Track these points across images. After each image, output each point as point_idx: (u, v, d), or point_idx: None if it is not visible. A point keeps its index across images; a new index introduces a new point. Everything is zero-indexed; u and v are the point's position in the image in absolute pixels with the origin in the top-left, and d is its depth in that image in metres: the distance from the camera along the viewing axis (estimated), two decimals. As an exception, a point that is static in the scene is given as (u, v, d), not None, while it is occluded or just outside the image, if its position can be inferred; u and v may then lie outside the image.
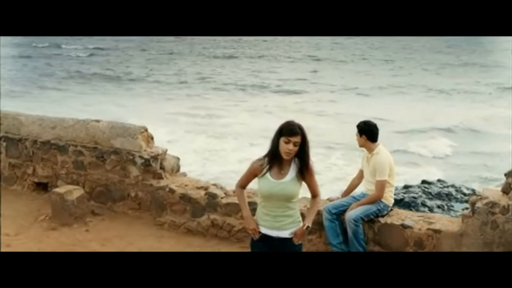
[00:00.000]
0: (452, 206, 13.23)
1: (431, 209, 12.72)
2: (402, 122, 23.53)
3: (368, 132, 6.38)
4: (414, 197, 13.52)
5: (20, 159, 8.50)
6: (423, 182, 14.70)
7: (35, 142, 8.34)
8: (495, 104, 28.46)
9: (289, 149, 4.19)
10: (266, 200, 4.38)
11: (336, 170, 17.38)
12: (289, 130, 4.19)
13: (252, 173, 4.45)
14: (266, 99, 31.36)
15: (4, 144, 8.58)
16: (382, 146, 6.43)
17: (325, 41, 68.67)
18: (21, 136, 8.47)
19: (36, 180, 8.45)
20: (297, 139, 4.18)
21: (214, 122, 24.31)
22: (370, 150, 6.40)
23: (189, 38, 69.95)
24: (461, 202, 13.56)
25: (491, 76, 39.71)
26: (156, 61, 49.06)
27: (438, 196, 13.96)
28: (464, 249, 5.89)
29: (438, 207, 13.13)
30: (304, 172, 4.30)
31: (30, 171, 8.46)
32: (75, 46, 59.62)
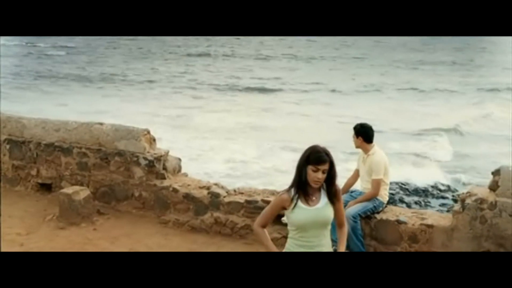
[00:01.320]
0: (429, 202, 13.74)
1: (409, 205, 13.20)
2: (379, 121, 23.99)
3: (364, 134, 6.80)
4: (392, 194, 14.00)
5: (24, 161, 8.76)
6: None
7: (39, 144, 8.61)
8: (475, 105, 29.05)
9: (318, 178, 4.01)
10: (302, 230, 4.15)
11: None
12: (317, 158, 4.00)
13: (279, 206, 4.24)
14: (239, 98, 31.33)
15: (8, 146, 8.83)
16: (377, 147, 6.86)
17: (299, 39, 67.95)
18: (24, 139, 8.73)
19: (40, 181, 8.72)
20: (326, 166, 4.00)
21: (188, 121, 24.10)
22: (366, 151, 6.82)
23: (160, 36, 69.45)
24: (437, 198, 14.12)
25: (468, 75, 40.36)
26: (128, 59, 48.21)
27: (415, 192, 14.46)
28: (455, 243, 6.35)
29: (416, 203, 13.61)
30: (333, 197, 4.14)
31: (34, 172, 8.72)
32: (45, 45, 57.94)
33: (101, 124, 8.35)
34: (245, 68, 44.27)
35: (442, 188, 14.86)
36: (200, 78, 38.13)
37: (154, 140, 8.17)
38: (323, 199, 4.12)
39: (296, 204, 4.09)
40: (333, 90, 33.48)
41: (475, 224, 6.26)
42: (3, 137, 8.87)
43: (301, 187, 4.08)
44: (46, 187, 8.74)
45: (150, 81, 36.27)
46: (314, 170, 3.99)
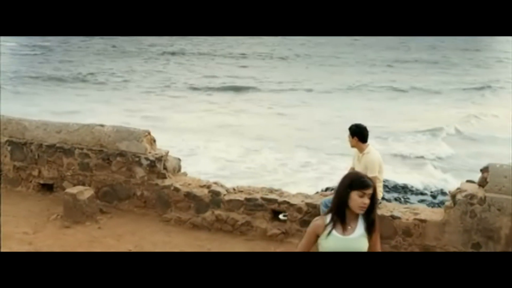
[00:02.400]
0: (408, 198, 14.18)
1: (389, 201, 13.68)
2: (356, 121, 24.20)
3: (359, 134, 7.16)
4: None
5: (25, 162, 8.97)
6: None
7: (40, 145, 8.83)
8: (451, 104, 29.61)
9: (365, 203, 3.91)
10: None
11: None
12: (362, 182, 3.93)
13: (314, 234, 4.05)
14: (212, 97, 31.43)
15: (9, 148, 9.03)
16: (371, 146, 7.22)
17: (271, 37, 67.02)
18: (26, 140, 8.94)
19: (41, 181, 8.93)
20: (371, 191, 3.92)
21: (166, 121, 24.10)
22: (361, 150, 7.18)
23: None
24: (416, 194, 14.59)
25: (444, 74, 40.99)
26: (102, 59, 47.65)
27: (395, 189, 14.90)
28: (446, 236, 6.74)
29: (395, 199, 14.02)
30: (371, 227, 4.01)
31: (35, 173, 8.94)
32: (18, 44, 56.42)
33: (102, 125, 8.60)
34: (221, 66, 44.32)
35: (421, 186, 15.33)
36: (175, 77, 38.17)
37: (154, 141, 8.45)
38: (359, 229, 3.99)
39: (330, 231, 3.97)
40: (310, 90, 33.78)
41: (465, 218, 6.66)
42: (4, 139, 9.05)
43: (340, 213, 3.97)
44: (47, 187, 8.96)
45: (125, 81, 36.19)
46: (361, 195, 3.90)
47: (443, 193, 13.79)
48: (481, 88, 34.47)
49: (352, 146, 7.28)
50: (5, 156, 9.09)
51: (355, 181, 3.95)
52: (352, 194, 3.92)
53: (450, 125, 24.15)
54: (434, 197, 13.70)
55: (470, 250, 6.65)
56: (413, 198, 14.09)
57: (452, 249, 6.71)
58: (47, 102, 27.25)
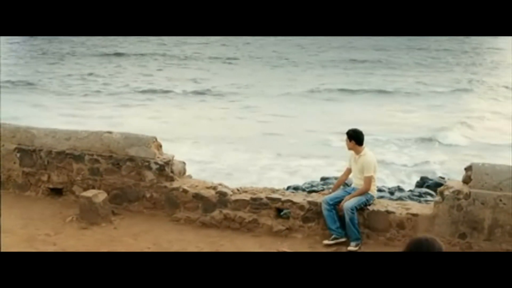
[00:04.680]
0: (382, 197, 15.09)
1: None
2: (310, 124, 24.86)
3: (356, 138, 7.95)
4: None
5: (35, 167, 9.44)
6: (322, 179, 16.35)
7: (50, 152, 9.32)
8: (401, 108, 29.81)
9: None
10: None
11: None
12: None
13: None
14: (154, 102, 31.11)
15: (18, 155, 9.49)
16: (367, 148, 8.03)
17: (213, 38, 64.50)
18: (35, 147, 9.41)
19: (51, 186, 9.42)
20: None
21: (115, 126, 23.75)
22: (358, 152, 7.97)
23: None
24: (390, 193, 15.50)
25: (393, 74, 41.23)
26: (38, 62, 45.97)
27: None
28: (436, 228, 7.59)
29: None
30: None
31: (45, 178, 9.42)
32: None
33: (110, 132, 9.15)
34: (161, 69, 43.61)
35: (391, 186, 16.22)
36: (116, 81, 37.28)
37: (161, 146, 9.05)
38: None
39: None
40: (261, 93, 33.67)
41: (453, 212, 7.52)
42: (13, 146, 9.51)
43: None
44: (56, 192, 9.45)
45: (66, 85, 35.28)
46: None
47: (400, 189, 14.67)
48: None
49: (349, 148, 8.07)
50: (14, 163, 9.54)
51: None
52: None
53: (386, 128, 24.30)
54: (392, 193, 14.50)
55: (457, 240, 7.53)
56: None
57: (441, 239, 7.54)
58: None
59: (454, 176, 13.50)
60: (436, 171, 18.03)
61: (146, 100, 31.23)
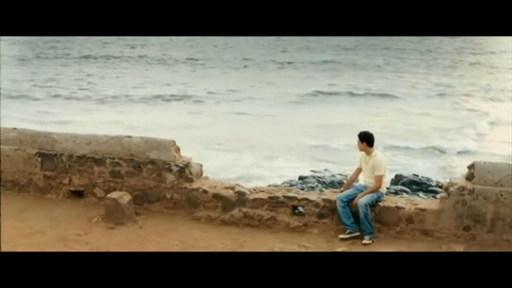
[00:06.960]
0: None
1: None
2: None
3: (367, 139, 8.61)
4: (312, 187, 15.93)
5: (56, 171, 9.87)
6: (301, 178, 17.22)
7: (71, 156, 9.76)
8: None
9: None
10: None
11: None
12: None
13: None
14: (115, 107, 31.36)
15: (39, 159, 9.91)
16: (377, 150, 8.69)
17: (178, 39, 65.82)
18: (56, 152, 9.84)
19: (72, 188, 9.87)
20: None
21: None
22: (369, 153, 8.63)
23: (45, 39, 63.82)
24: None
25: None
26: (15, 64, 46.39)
27: (331, 184, 16.33)
28: (442, 221, 8.28)
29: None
30: None
31: (66, 181, 9.86)
32: None
33: (129, 137, 9.64)
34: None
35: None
36: (94, 86, 37.52)
37: (179, 149, 9.57)
38: None
39: None
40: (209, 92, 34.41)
41: (458, 206, 8.22)
42: (34, 151, 9.93)
43: None
44: (77, 194, 9.89)
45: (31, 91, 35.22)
46: None
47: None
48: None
49: (361, 150, 8.72)
50: (35, 167, 9.96)
51: None
52: None
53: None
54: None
55: (462, 232, 8.23)
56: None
57: (447, 232, 8.27)
58: None
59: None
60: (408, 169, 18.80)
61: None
